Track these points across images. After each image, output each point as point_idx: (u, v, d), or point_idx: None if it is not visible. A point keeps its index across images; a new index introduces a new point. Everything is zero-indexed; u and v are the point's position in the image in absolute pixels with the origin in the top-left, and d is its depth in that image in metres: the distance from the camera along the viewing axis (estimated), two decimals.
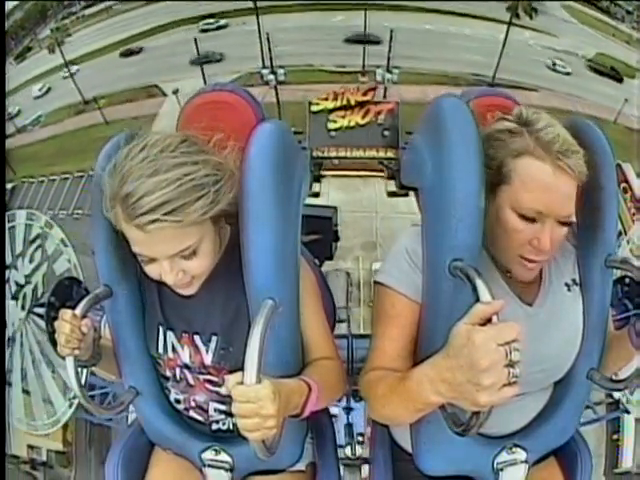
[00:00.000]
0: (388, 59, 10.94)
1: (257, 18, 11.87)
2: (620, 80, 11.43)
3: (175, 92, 11.26)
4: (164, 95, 12.14)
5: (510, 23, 11.73)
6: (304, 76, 11.52)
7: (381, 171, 9.59)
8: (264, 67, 11.45)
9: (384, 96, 10.44)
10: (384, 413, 0.97)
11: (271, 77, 11.18)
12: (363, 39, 11.84)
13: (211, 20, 14.05)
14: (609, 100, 10.90)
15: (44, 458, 6.84)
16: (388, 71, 10.94)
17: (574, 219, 0.95)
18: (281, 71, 11.25)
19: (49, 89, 13.08)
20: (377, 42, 11.64)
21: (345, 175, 9.69)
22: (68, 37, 14.05)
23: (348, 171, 9.54)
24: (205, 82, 10.86)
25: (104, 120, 12.04)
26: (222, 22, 14.04)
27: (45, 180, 10.20)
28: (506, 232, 0.95)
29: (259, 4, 11.84)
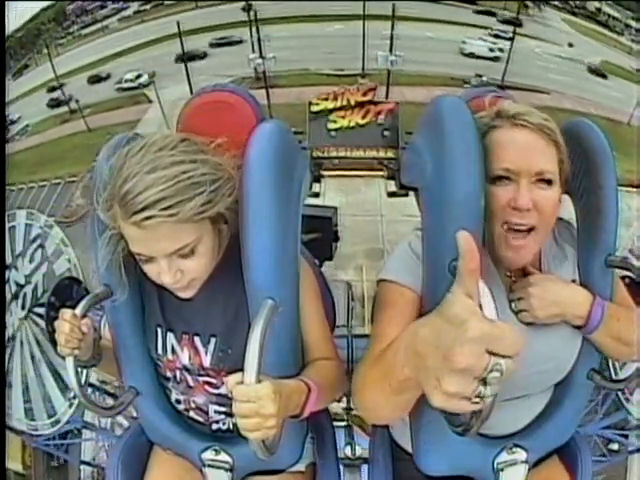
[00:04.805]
0: (391, 37, 10.62)
1: (250, 25, 11.68)
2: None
3: (152, 75, 10.98)
4: (149, 102, 12.10)
5: (514, 35, 11.74)
6: (300, 80, 11.36)
7: (381, 170, 9.35)
8: (252, 51, 10.93)
9: (387, 91, 10.29)
10: (364, 400, 0.88)
11: (259, 61, 10.59)
12: None
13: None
14: (620, 103, 10.94)
15: None
16: (390, 51, 10.50)
17: (551, 176, 0.95)
18: (270, 55, 10.65)
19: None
20: None
21: (345, 175, 9.41)
22: (61, 49, 14.03)
23: (348, 171, 9.40)
24: (190, 82, 10.64)
25: (87, 127, 12.03)
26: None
27: (24, 188, 10.11)
28: (487, 206, 0.93)
29: (256, 15, 11.70)
